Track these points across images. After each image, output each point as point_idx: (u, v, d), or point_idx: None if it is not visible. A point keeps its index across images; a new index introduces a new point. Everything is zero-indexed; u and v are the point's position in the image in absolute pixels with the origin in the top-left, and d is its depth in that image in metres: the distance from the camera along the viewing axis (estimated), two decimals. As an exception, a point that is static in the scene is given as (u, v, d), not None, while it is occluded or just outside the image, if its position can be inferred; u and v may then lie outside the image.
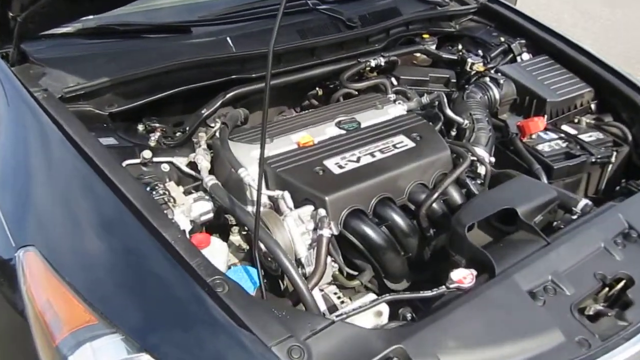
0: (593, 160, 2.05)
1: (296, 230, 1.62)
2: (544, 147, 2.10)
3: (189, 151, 1.92)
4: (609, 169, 2.10)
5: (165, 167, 1.84)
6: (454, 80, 2.50)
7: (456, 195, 1.86)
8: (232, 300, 1.23)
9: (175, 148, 1.92)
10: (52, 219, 1.50)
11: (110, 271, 1.33)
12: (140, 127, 2.00)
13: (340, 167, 1.78)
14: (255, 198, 1.72)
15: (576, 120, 2.30)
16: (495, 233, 1.72)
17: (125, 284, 1.30)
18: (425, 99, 2.19)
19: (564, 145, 2.11)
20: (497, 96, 2.30)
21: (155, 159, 1.83)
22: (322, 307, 1.65)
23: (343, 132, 1.98)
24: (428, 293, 1.42)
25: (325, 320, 1.28)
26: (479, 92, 2.27)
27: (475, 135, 2.06)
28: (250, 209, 1.82)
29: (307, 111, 2.21)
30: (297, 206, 1.69)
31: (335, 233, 1.68)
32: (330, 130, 1.98)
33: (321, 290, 1.71)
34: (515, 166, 2.08)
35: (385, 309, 1.44)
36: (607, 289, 1.46)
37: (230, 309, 1.22)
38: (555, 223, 1.73)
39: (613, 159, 2.08)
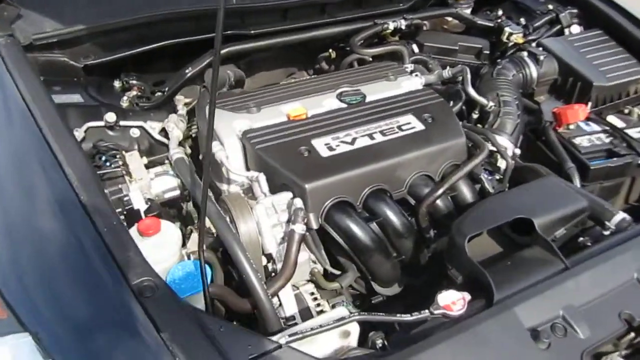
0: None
1: (266, 221, 1.38)
2: (582, 141, 1.77)
3: (167, 116, 1.69)
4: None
5: (135, 133, 1.62)
6: (487, 52, 2.16)
7: (467, 192, 1.57)
8: (158, 309, 1.02)
9: (151, 111, 1.69)
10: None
11: (29, 261, 1.13)
12: (117, 84, 1.78)
13: (330, 148, 1.52)
14: (230, 176, 1.50)
15: (626, 111, 1.94)
16: (506, 243, 1.44)
17: (43, 277, 1.11)
18: (446, 73, 1.87)
19: (607, 140, 1.77)
20: (534, 75, 1.96)
21: (124, 122, 1.61)
22: (292, 310, 1.45)
23: (343, 105, 1.70)
24: (407, 317, 1.17)
25: (271, 343, 1.06)
26: (512, 68, 1.93)
27: (500, 121, 1.74)
28: (225, 187, 1.59)
29: (307, 77, 1.93)
30: (275, 192, 1.45)
31: (314, 227, 1.44)
32: (329, 102, 1.70)
33: (296, 288, 1.50)
34: (545, 160, 1.76)
35: (354, 329, 1.20)
36: (632, 333, 1.18)
37: (154, 320, 1.01)
38: (581, 239, 1.44)
39: None
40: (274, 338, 1.11)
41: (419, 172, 1.55)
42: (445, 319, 1.16)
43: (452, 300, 1.18)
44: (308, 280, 1.53)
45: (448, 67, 1.89)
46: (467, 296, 1.19)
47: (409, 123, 1.63)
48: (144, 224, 1.28)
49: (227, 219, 1.32)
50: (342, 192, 1.45)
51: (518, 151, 1.72)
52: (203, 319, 1.05)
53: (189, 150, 1.72)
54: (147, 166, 1.52)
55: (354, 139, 1.55)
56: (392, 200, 1.50)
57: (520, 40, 2.10)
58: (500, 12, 2.31)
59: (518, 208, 1.38)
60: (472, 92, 1.75)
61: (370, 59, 2.05)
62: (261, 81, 2.27)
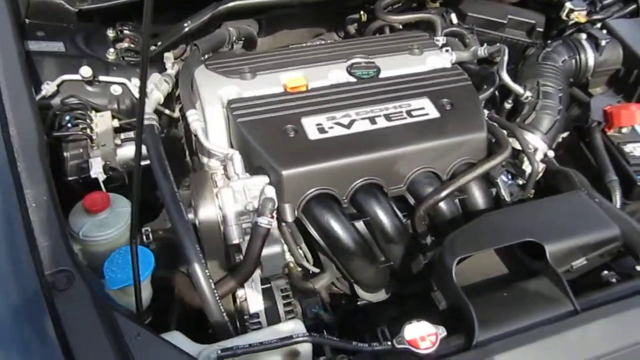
0: None
1: (232, 208, 1.21)
2: (634, 149, 1.47)
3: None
4: None
5: (116, 90, 1.48)
6: (541, 30, 1.85)
7: (479, 197, 1.34)
8: (68, 306, 0.89)
9: (138, 67, 1.53)
10: None
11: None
12: (110, 33, 1.62)
13: (322, 130, 1.31)
14: (207, 146, 1.33)
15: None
16: (514, 265, 1.21)
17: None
18: (482, 51, 1.60)
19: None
20: (591, 62, 1.64)
21: (105, 78, 1.47)
22: (257, 307, 1.30)
23: (352, 79, 1.48)
24: (365, 347, 0.99)
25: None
26: (564, 52, 1.63)
27: (536, 116, 1.46)
28: (205, 161, 1.43)
29: (319, 43, 1.70)
30: (253, 174, 1.27)
31: (289, 220, 1.26)
32: (336, 74, 1.48)
33: (268, 282, 1.34)
34: (588, 167, 1.49)
35: (306, 348, 1.03)
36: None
37: (59, 317, 0.88)
38: (605, 273, 1.18)
39: None
40: (203, 353, 0.96)
41: (424, 167, 1.32)
42: (410, 355, 0.97)
43: (421, 335, 0.98)
44: (283, 274, 1.36)
45: (485, 45, 1.61)
46: (442, 332, 0.99)
47: (422, 108, 1.39)
48: (90, 198, 1.14)
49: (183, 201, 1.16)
50: (326, 182, 1.26)
51: (551, 153, 1.45)
52: (119, 321, 0.91)
53: (176, 114, 1.56)
54: (120, 130, 1.37)
55: (352, 122, 1.34)
56: (385, 198, 1.29)
57: (583, 19, 1.77)
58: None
59: (529, 228, 1.14)
60: (506, 77, 1.48)
61: (400, 27, 1.80)
62: (283, 41, 2.07)
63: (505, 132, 1.37)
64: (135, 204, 0.96)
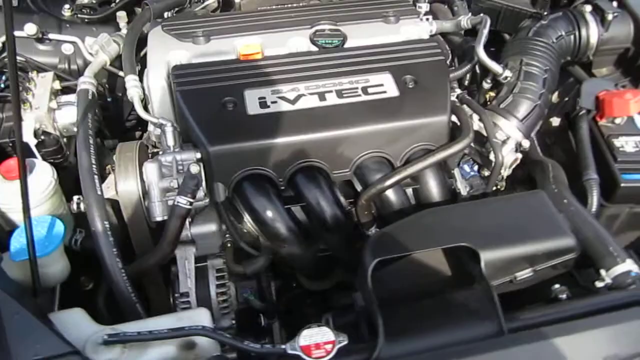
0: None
1: (157, 183, 1.15)
2: (626, 144, 1.29)
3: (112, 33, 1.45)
4: None
5: (67, 49, 1.41)
6: (547, -1, 1.64)
7: (433, 188, 1.22)
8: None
9: (94, 25, 1.46)
10: None
11: None
12: None
13: (264, 105, 1.21)
14: (141, 115, 1.25)
15: None
16: (455, 267, 1.10)
17: None
18: (465, 21, 1.43)
19: (665, 148, 1.28)
20: (593, 39, 1.45)
21: (55, 36, 1.40)
22: (188, 286, 1.24)
23: (314, 48, 1.36)
24: (256, 347, 0.92)
25: (66, 347, 0.86)
26: (561, 27, 1.44)
27: (513, 99, 1.30)
28: (150, 129, 1.36)
29: (289, 6, 1.57)
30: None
31: (220, 199, 1.18)
32: (296, 41, 1.36)
33: (204, 260, 1.28)
34: (569, 160, 1.33)
35: (204, 341, 0.98)
36: None
37: None
38: (556, 287, 1.05)
39: None
40: (91, 338, 0.92)
41: (374, 152, 1.20)
42: (302, 362, 0.90)
43: (317, 342, 0.90)
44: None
45: (470, 14, 1.44)
46: (343, 341, 0.90)
47: (380, 85, 1.26)
48: (7, 164, 1.10)
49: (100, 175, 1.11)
50: (260, 162, 1.17)
51: (527, 143, 1.29)
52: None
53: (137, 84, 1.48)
54: (62, 93, 1.32)
55: (299, 97, 1.23)
56: (326, 182, 1.19)
57: (596, -12, 1.56)
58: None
59: (467, 231, 1.02)
60: (481, 53, 1.31)
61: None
62: (272, 1, 1.93)
63: (468, 118, 1.23)
64: (22, 177, 0.91)
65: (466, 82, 1.49)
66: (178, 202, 1.09)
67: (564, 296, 1.04)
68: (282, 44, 1.36)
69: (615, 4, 1.48)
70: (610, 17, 1.43)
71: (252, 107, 1.20)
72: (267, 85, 1.24)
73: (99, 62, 1.32)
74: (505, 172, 1.33)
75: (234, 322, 1.27)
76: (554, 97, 1.51)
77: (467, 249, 0.99)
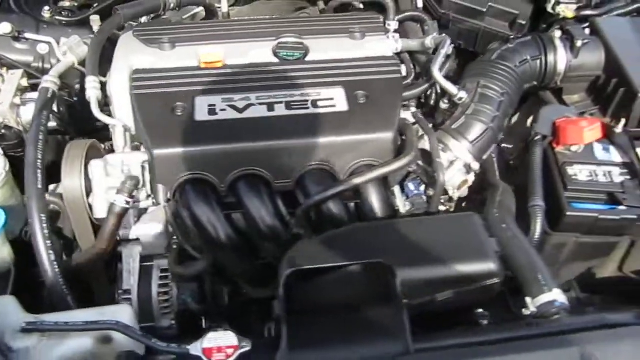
0: (649, 223, 1.19)
1: (101, 182, 1.19)
2: (580, 172, 1.27)
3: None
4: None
5: (43, 49, 1.48)
6: (523, 22, 1.62)
7: (373, 204, 1.21)
8: None
9: (70, 27, 1.52)
10: None
11: None
12: None
13: (212, 112, 1.24)
14: (96, 115, 1.29)
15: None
16: (378, 283, 1.09)
17: None
18: (429, 41, 1.43)
19: (619, 180, 1.25)
20: (561, 65, 1.43)
21: (31, 36, 1.47)
22: (130, 283, 1.28)
23: (274, 60, 1.38)
24: (162, 345, 0.94)
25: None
26: (526, 52, 1.42)
27: (465, 121, 1.29)
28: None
29: (257, 18, 1.60)
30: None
31: (161, 202, 1.21)
32: (259, 52, 1.39)
33: (152, 259, 1.32)
34: (522, 184, 1.31)
35: (119, 337, 1.00)
36: None
37: None
38: (479, 312, 1.04)
39: None
40: (10, 328, 0.96)
41: (317, 164, 1.21)
42: (202, 364, 0.91)
43: (219, 346, 0.92)
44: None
45: (434, 34, 1.44)
46: (245, 347, 0.92)
47: (331, 99, 1.27)
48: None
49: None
50: (202, 168, 1.19)
51: (476, 166, 1.28)
52: None
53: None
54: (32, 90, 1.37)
55: (248, 106, 1.25)
56: (267, 192, 1.20)
57: (570, 14, 1.54)
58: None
59: (389, 248, 1.02)
60: (437, 73, 1.31)
61: (361, 6, 1.66)
62: (262, 13, 1.98)
63: (414, 137, 1.23)
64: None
65: (432, 102, 1.48)
66: (115, 201, 1.12)
67: (485, 321, 1.03)
68: (244, 54, 1.38)
69: (587, 31, 1.46)
70: (579, 43, 1.41)
71: (201, 114, 1.23)
72: (220, 93, 1.27)
73: (66, 63, 1.38)
74: (456, 194, 1.32)
75: (173, 322, 1.30)
76: (529, 122, 1.49)
77: (387, 266, 0.99)
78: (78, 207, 1.20)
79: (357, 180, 1.17)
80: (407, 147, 1.20)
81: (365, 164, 1.22)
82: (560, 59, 1.42)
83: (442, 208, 1.34)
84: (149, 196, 1.23)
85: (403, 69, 1.41)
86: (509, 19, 1.64)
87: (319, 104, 1.26)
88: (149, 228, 1.27)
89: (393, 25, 1.50)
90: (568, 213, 1.20)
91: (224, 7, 1.79)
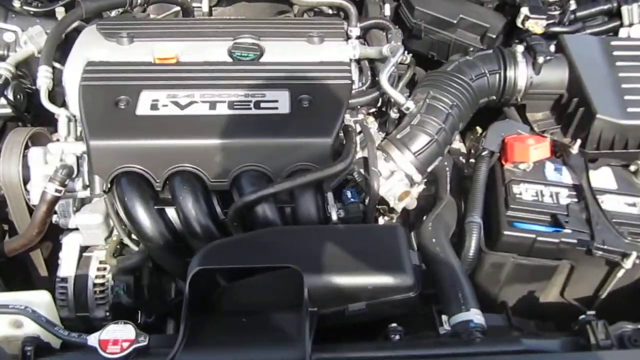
0: (587, 248, 1.14)
1: (38, 170, 1.20)
2: (525, 191, 1.23)
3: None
4: (618, 274, 1.16)
5: (9, 37, 1.51)
6: (493, 36, 1.60)
7: (306, 208, 1.20)
8: None
9: (38, 17, 1.54)
10: None
11: None
12: None
13: (155, 107, 1.24)
14: (44, 104, 1.30)
15: (633, 168, 1.30)
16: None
17: None
18: (386, 49, 1.41)
19: (565, 202, 1.21)
20: (521, 82, 1.39)
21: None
22: (68, 272, 1.29)
23: (228, 60, 1.38)
24: (64, 334, 0.94)
25: None
26: (484, 65, 1.38)
27: (410, 131, 1.27)
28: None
29: (224, 17, 1.61)
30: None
31: (96, 192, 1.22)
32: (213, 51, 1.39)
33: (93, 250, 1.33)
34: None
35: (29, 322, 1.01)
36: None
37: None
38: (392, 326, 1.00)
39: (629, 264, 1.13)
40: None
41: (253, 165, 1.21)
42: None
43: (116, 338, 0.91)
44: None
45: (391, 43, 1.42)
46: (142, 341, 0.91)
47: (274, 101, 1.27)
48: None
49: None
50: (138, 161, 1.19)
51: (418, 177, 1.26)
52: None
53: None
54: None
55: (190, 103, 1.25)
56: (201, 190, 1.20)
57: (539, 30, 1.50)
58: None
59: (302, 254, 1.01)
60: (384, 82, 1.29)
61: (330, 11, 1.65)
62: (244, 14, 1.98)
63: (353, 145, 1.21)
64: None
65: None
66: (46, 188, 1.14)
67: (396, 337, 1.00)
68: (199, 52, 1.39)
69: (553, 47, 1.42)
70: (541, 60, 1.37)
71: (142, 108, 1.24)
72: (165, 89, 1.28)
73: (25, 52, 1.41)
74: (400, 205, 1.30)
75: (107, 313, 1.31)
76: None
77: (296, 272, 0.98)
78: (15, 193, 1.21)
79: (288, 184, 1.16)
80: (343, 154, 1.19)
81: (301, 168, 1.21)
82: (521, 74, 1.38)
83: (384, 219, 1.32)
84: (87, 186, 1.24)
85: (355, 75, 1.39)
86: (480, 32, 1.62)
87: (262, 105, 1.26)
88: (88, 218, 1.29)
89: (355, 31, 1.49)
90: (505, 232, 1.16)
91: (204, 6, 1.81)
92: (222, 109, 1.25)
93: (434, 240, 1.13)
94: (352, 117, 1.31)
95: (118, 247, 1.34)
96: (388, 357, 0.91)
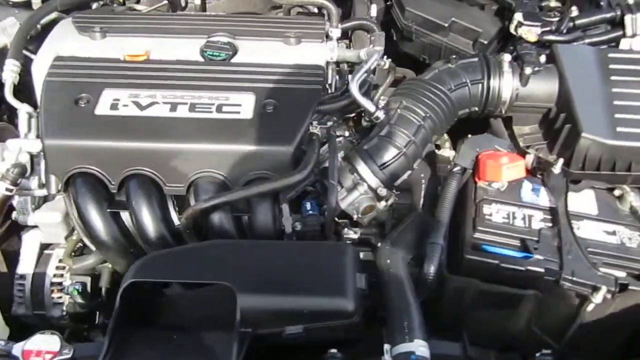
0: (555, 278, 1.06)
1: (-5, 165, 1.19)
2: (496, 212, 1.15)
3: None
4: (588, 308, 1.07)
5: (-15, 28, 1.50)
6: (485, 42, 1.51)
7: (260, 219, 1.16)
8: None
9: (17, 8, 1.52)
10: None
11: None
12: None
13: (115, 106, 1.21)
14: (6, 98, 1.28)
15: (617, 193, 1.20)
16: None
17: None
18: (363, 53, 1.34)
19: (538, 226, 1.13)
20: (506, 92, 1.30)
21: (-24, 14, 1.49)
22: (26, 269, 1.29)
23: (199, 58, 1.33)
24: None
25: None
26: (467, 74, 1.29)
27: (377, 142, 1.20)
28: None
29: (201, 13, 1.56)
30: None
31: (52, 192, 1.20)
32: (186, 50, 1.35)
33: (52, 248, 1.32)
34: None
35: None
36: None
37: None
38: (331, 352, 0.96)
39: (599, 298, 1.04)
40: None
41: (210, 171, 1.17)
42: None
43: (39, 349, 0.89)
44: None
45: (369, 47, 1.35)
46: (66, 354, 0.89)
47: (238, 105, 1.22)
48: None
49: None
50: (93, 162, 1.17)
51: (383, 192, 1.19)
52: None
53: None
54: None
55: (151, 104, 1.22)
56: (157, 194, 1.17)
57: (533, 38, 1.40)
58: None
59: (241, 271, 0.96)
60: (353, 88, 1.21)
61: (316, 10, 1.59)
62: (238, 8, 1.93)
63: (315, 154, 1.15)
64: None
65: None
66: (-5, 186, 1.12)
67: (336, 361, 0.95)
68: (171, 50, 1.35)
69: (543, 57, 1.33)
70: (528, 71, 1.28)
71: (102, 108, 1.21)
72: (128, 88, 1.24)
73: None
74: (365, 219, 1.24)
75: (64, 313, 1.30)
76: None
77: (230, 290, 0.93)
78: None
79: (243, 193, 1.12)
80: (301, 164, 1.13)
81: (259, 177, 1.16)
82: (506, 85, 1.29)
83: (350, 233, 1.27)
84: (43, 185, 1.22)
85: (333, 79, 1.33)
86: (473, 36, 1.53)
87: (224, 109, 1.21)
88: (46, 216, 1.27)
89: (335, 32, 1.42)
90: (466, 256, 1.09)
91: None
92: (183, 112, 1.20)
93: (388, 261, 1.07)
94: (320, 124, 1.25)
95: (80, 246, 1.33)
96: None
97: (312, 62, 1.33)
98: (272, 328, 0.95)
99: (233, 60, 1.33)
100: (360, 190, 1.18)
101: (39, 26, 1.42)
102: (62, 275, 1.29)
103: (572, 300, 1.09)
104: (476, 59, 1.33)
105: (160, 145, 1.16)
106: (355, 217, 1.21)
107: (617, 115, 1.22)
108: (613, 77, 1.29)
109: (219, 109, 1.21)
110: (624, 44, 1.41)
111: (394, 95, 1.27)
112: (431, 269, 1.09)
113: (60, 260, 1.30)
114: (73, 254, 1.29)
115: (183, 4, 1.75)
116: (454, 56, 1.32)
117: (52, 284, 1.29)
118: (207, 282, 0.95)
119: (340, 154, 1.24)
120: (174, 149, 1.16)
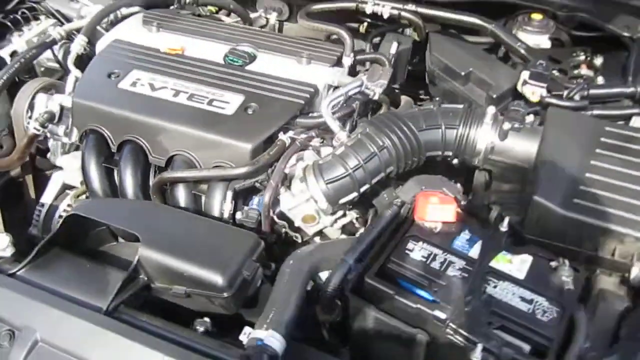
0: (445, 325, 1.03)
1: (38, 110, 1.49)
2: (418, 250, 1.15)
3: None
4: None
5: (83, 10, 1.86)
6: (493, 95, 1.49)
7: (215, 200, 1.31)
8: None
9: None
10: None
11: None
12: None
13: (134, 84, 1.46)
14: (69, 65, 1.57)
15: (553, 265, 1.12)
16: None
17: None
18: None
19: (453, 274, 1.10)
20: (480, 145, 1.28)
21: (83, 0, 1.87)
22: (47, 199, 1.57)
23: (220, 61, 1.54)
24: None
25: None
26: (443, 117, 1.29)
27: (330, 159, 1.27)
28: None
29: (234, 25, 1.77)
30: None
31: (72, 140, 1.48)
32: (213, 52, 1.57)
33: (72, 190, 1.60)
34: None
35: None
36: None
37: None
38: (202, 319, 1.06)
39: (476, 355, 0.99)
40: None
41: (185, 151, 1.35)
42: None
43: (-13, 243, 1.13)
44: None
45: (363, 76, 1.43)
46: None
47: (226, 102, 1.40)
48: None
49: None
50: (103, 124, 1.42)
51: (323, 205, 1.26)
52: None
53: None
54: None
55: (161, 88, 1.45)
56: (143, 161, 1.39)
57: (535, 99, 1.37)
58: (598, 61, 1.50)
59: (156, 228, 1.13)
60: (323, 108, 1.31)
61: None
62: (302, 32, 2.08)
63: (267, 157, 1.28)
64: None
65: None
66: (27, 125, 1.42)
67: (201, 328, 1.05)
68: (202, 50, 1.58)
69: (531, 117, 1.29)
70: (506, 126, 1.26)
71: (124, 83, 1.46)
72: (152, 72, 1.49)
73: (80, 23, 1.71)
74: (311, 228, 1.32)
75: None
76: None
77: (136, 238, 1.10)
78: (19, 125, 1.52)
79: (194, 173, 1.30)
80: (252, 161, 1.27)
81: (220, 165, 1.32)
82: (481, 136, 1.28)
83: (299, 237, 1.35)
84: (66, 133, 1.50)
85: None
86: (486, 89, 1.53)
87: (214, 103, 1.39)
88: (68, 161, 1.55)
89: (347, 60, 1.53)
90: (367, 279, 1.11)
91: (272, 19, 2.01)
92: (182, 99, 1.41)
93: (291, 262, 1.13)
94: (295, 134, 1.36)
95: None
96: (173, 341, 0.97)
97: (312, 81, 1.46)
98: (163, 283, 1.09)
99: (247, 67, 1.51)
100: (303, 197, 1.27)
101: (119, 15, 1.75)
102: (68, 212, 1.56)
103: (461, 353, 1.05)
104: (461, 107, 1.34)
105: (154, 120, 1.37)
106: (296, 222, 1.30)
107: (582, 187, 1.15)
108: (598, 150, 1.21)
109: (210, 102, 1.39)
110: (636, 121, 1.31)
111: (362, 122, 1.34)
112: (332, 281, 1.13)
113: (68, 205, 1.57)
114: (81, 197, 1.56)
115: (264, 22, 2.00)
116: (437, 98, 1.35)
117: (60, 216, 1.56)
118: (123, 229, 1.12)
119: (303, 164, 1.34)
120: (163, 126, 1.37)
